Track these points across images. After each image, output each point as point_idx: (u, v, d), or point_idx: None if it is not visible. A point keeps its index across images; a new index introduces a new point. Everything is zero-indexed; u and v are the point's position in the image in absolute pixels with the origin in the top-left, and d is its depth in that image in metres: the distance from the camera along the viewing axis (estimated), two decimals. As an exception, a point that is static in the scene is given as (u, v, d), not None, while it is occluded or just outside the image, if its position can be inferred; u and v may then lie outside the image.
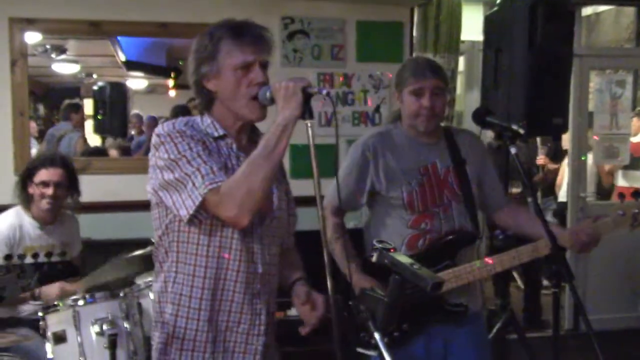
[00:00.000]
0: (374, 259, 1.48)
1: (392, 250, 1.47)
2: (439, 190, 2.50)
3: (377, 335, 1.42)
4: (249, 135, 1.99)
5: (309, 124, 1.76)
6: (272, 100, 1.83)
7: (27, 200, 3.30)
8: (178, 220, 1.87)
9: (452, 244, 2.49)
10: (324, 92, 1.82)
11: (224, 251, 1.89)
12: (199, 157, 1.82)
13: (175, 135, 1.85)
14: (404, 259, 1.44)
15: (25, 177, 3.30)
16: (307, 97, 1.77)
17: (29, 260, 2.25)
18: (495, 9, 3.40)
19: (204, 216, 1.84)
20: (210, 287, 1.90)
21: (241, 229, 1.86)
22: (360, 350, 2.28)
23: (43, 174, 3.26)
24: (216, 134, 1.92)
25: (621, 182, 5.96)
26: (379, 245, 1.49)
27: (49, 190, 3.26)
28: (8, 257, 2.34)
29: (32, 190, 3.28)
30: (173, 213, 1.87)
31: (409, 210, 2.48)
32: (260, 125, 2.02)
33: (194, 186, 1.78)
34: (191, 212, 1.79)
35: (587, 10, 6.47)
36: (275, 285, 2.04)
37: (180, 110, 5.88)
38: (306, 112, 1.77)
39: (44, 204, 3.27)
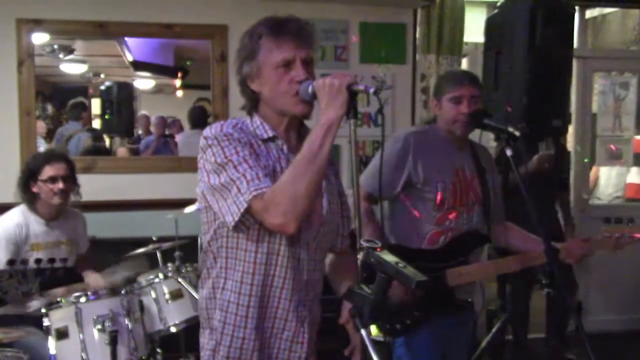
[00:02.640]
0: (360, 257, 1.51)
1: (378, 249, 1.49)
2: (465, 192, 2.67)
3: (363, 332, 1.44)
4: (298, 135, 1.92)
5: (352, 123, 1.70)
6: (314, 96, 1.75)
7: (31, 200, 3.35)
8: (227, 226, 1.81)
9: (468, 243, 2.65)
10: (371, 90, 1.69)
11: (271, 258, 1.83)
12: (245, 162, 1.75)
13: (223, 138, 1.80)
14: (389, 257, 1.47)
15: (28, 177, 3.34)
16: (352, 94, 1.69)
17: (31, 265, 2.27)
18: (496, 11, 3.41)
19: (251, 222, 1.78)
20: (258, 295, 1.85)
21: (288, 236, 1.80)
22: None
23: (49, 170, 3.32)
24: (265, 136, 1.87)
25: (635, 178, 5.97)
26: (365, 244, 1.51)
27: (59, 185, 3.31)
28: (11, 262, 2.38)
29: (38, 188, 3.32)
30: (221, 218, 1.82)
31: (438, 206, 2.62)
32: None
33: (239, 192, 1.72)
34: (236, 218, 1.73)
35: (593, 12, 6.46)
36: (319, 291, 1.97)
37: (198, 111, 5.94)
38: (351, 110, 1.69)
39: (56, 199, 3.32)
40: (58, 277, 2.20)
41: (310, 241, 1.88)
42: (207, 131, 1.84)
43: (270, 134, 1.87)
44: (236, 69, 1.88)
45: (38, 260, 2.19)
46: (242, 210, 1.72)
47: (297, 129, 1.92)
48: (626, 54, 6.17)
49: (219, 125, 1.85)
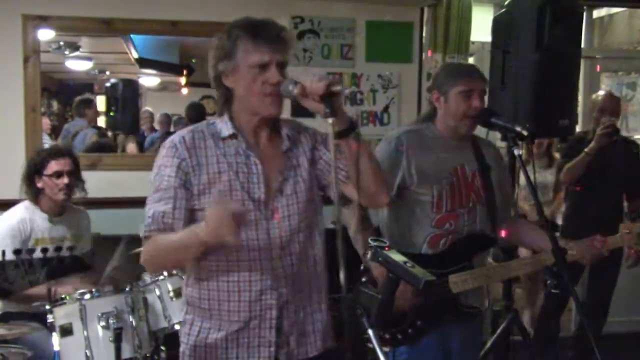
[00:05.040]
0: (368, 256, 1.50)
1: (386, 249, 1.48)
2: (466, 192, 2.54)
3: (370, 332, 1.43)
4: (270, 131, 1.99)
5: (330, 122, 1.73)
6: (295, 98, 1.81)
7: (36, 195, 3.35)
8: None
9: (472, 246, 2.53)
10: (347, 91, 1.80)
11: (225, 252, 1.89)
12: (161, 191, 1.90)
13: (165, 151, 1.93)
14: (397, 257, 1.46)
15: (33, 172, 3.34)
16: (329, 94, 1.74)
17: (38, 254, 2.26)
18: (504, 9, 3.39)
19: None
20: (215, 289, 1.94)
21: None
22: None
23: (55, 165, 3.32)
24: (226, 134, 1.93)
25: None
26: (373, 244, 1.50)
27: (65, 180, 3.32)
28: (17, 251, 2.36)
29: (42, 184, 3.33)
30: None
31: (436, 209, 2.50)
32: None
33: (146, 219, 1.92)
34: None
35: (600, 12, 6.44)
36: (308, 273, 1.98)
37: (195, 107, 5.94)
38: (328, 109, 1.73)
39: (61, 194, 3.32)
40: (65, 265, 2.20)
41: (274, 229, 1.91)
42: (169, 139, 1.97)
43: (231, 131, 1.93)
44: (211, 65, 1.95)
45: (44, 250, 2.18)
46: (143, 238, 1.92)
47: (269, 127, 1.98)
48: (633, 54, 6.14)
49: (180, 133, 1.96)
